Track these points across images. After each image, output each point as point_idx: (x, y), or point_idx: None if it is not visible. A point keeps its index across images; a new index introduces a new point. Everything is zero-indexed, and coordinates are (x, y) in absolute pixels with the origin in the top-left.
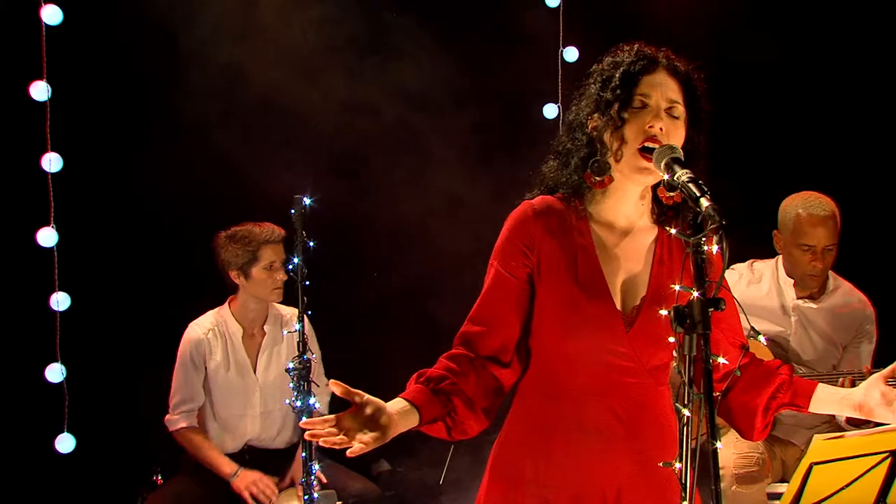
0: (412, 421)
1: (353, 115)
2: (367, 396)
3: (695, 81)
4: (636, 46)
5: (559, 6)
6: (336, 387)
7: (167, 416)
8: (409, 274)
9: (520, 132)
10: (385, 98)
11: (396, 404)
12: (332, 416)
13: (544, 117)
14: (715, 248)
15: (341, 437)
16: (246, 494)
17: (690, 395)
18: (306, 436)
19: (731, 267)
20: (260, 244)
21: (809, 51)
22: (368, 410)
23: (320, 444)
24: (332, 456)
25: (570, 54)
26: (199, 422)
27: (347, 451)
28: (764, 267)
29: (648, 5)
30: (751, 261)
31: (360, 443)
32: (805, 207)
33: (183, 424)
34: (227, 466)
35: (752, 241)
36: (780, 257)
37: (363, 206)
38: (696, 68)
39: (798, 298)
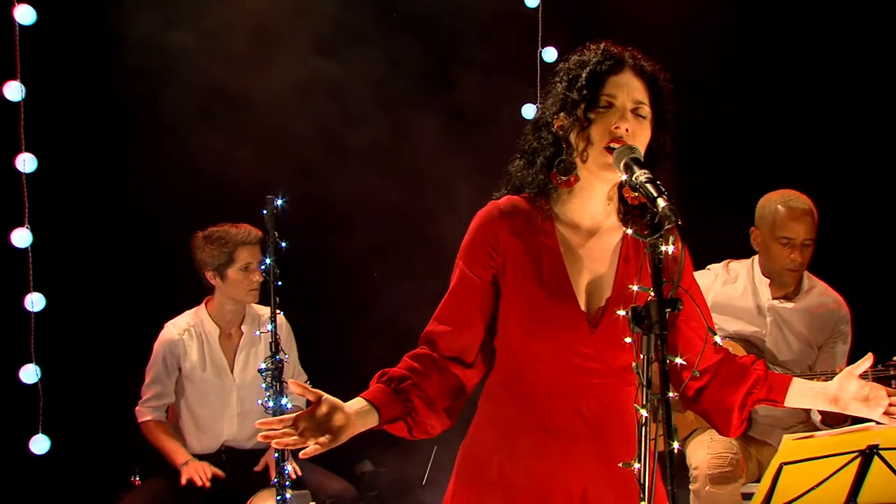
0: (371, 421)
1: (329, 114)
2: (324, 396)
3: (661, 82)
4: (603, 45)
5: (538, 6)
6: (294, 386)
7: (136, 408)
8: (386, 274)
9: (498, 133)
10: (360, 98)
11: (356, 404)
12: (289, 416)
13: (523, 118)
14: (671, 248)
15: (295, 438)
16: (184, 479)
17: (649, 396)
18: (259, 437)
19: (707, 267)
20: (236, 245)
21: (786, 52)
22: (324, 409)
23: (273, 445)
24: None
25: (549, 54)
26: (175, 422)
27: (301, 453)
28: (740, 267)
29: (627, 6)
30: (726, 261)
31: (316, 444)
32: (784, 202)
33: (148, 417)
34: (180, 456)
35: (728, 241)
36: (756, 257)
37: (340, 206)
38: (661, 69)
39: (773, 299)
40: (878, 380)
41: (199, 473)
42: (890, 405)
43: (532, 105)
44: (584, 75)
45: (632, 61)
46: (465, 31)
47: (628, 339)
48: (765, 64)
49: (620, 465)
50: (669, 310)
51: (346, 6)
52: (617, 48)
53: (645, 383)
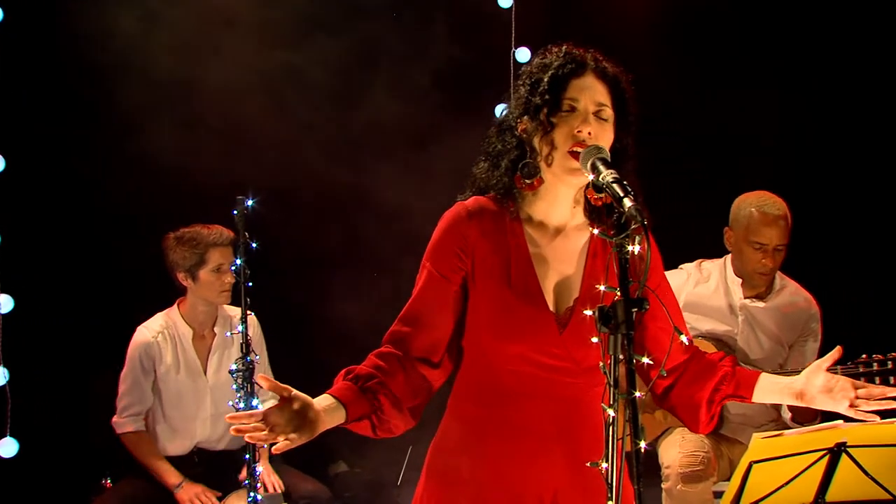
0: (338, 418)
1: (300, 112)
2: (294, 392)
3: (623, 84)
4: (564, 48)
5: (511, 7)
6: (263, 381)
7: (114, 419)
8: (358, 273)
9: (471, 133)
10: (332, 95)
11: (324, 401)
12: (259, 411)
13: (496, 118)
14: (637, 248)
15: (265, 432)
16: None
17: (616, 396)
18: (231, 430)
19: (680, 266)
20: (207, 247)
21: (756, 52)
22: (296, 406)
23: (246, 438)
24: (283, 457)
25: (523, 55)
26: (149, 424)
27: (273, 448)
28: (712, 266)
29: (600, 6)
30: (699, 260)
31: (286, 440)
32: (759, 206)
33: (130, 428)
34: (172, 476)
35: (702, 241)
36: (729, 257)
37: (314, 207)
38: (624, 70)
39: (745, 298)
40: (849, 377)
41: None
42: (856, 398)
43: (505, 106)
44: (546, 79)
45: (593, 64)
46: (438, 30)
47: (595, 339)
48: (739, 63)
49: (588, 464)
50: (636, 310)
51: (315, 13)
52: (579, 50)
53: (612, 383)
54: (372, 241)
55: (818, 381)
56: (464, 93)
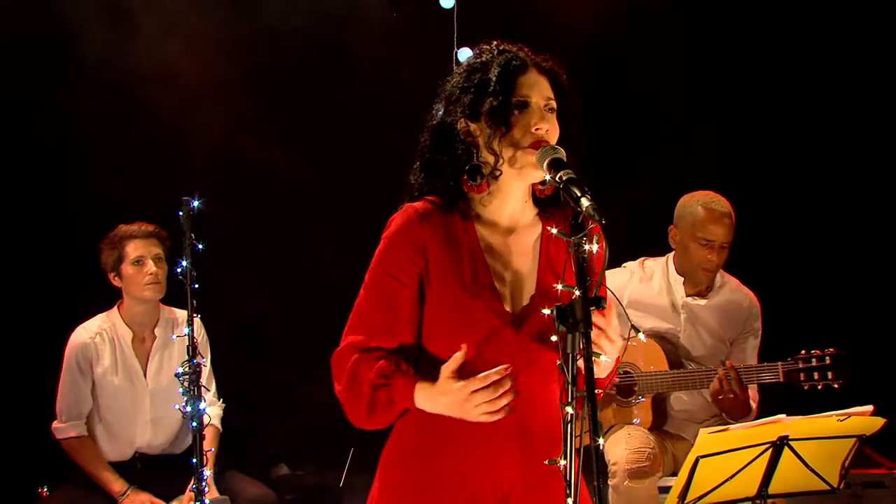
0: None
1: (244, 115)
2: None
3: (560, 76)
4: (495, 45)
5: (453, 7)
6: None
7: (54, 424)
8: (310, 278)
9: (415, 134)
10: (272, 99)
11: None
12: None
13: (429, 121)
14: (595, 246)
15: None
16: None
17: (573, 394)
18: None
19: (623, 265)
20: (123, 240)
21: (700, 50)
22: None
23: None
24: (229, 461)
25: (465, 55)
26: (87, 429)
27: None
28: (655, 265)
29: (541, 6)
30: (642, 259)
31: None
32: (706, 204)
33: (72, 434)
34: (116, 484)
35: (645, 239)
36: (671, 255)
37: (263, 209)
38: (558, 62)
39: (687, 296)
40: (788, 373)
41: None
42: None
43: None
44: (494, 79)
45: (530, 59)
46: (379, 31)
47: (553, 338)
48: (678, 62)
49: (547, 462)
50: (594, 308)
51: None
52: (512, 47)
53: (570, 381)
54: (319, 247)
55: None
56: (405, 94)
